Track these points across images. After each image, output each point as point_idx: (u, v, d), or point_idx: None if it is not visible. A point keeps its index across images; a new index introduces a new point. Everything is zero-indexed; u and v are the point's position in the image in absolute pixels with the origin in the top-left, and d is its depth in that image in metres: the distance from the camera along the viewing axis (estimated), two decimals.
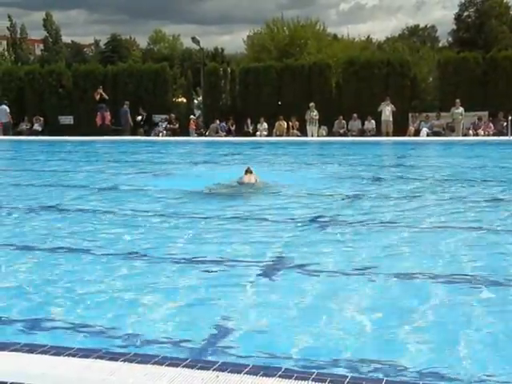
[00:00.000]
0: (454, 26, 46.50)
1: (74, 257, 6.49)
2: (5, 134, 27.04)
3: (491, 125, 23.28)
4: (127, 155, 19.09)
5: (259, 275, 5.67)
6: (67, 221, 8.46)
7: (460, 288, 5.29)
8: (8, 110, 27.38)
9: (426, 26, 57.71)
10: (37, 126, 28.09)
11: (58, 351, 3.69)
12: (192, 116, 26.86)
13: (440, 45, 49.97)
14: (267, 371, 3.44)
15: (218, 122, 26.08)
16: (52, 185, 12.26)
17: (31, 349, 3.73)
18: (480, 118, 23.51)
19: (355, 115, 24.79)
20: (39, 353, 3.67)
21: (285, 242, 6.94)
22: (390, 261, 6.18)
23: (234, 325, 4.52)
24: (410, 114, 25.00)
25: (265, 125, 25.76)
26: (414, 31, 56.13)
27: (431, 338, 4.28)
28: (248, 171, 11.41)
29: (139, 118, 27.34)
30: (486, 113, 23.90)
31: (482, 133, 23.08)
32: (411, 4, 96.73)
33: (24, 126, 28.10)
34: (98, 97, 26.26)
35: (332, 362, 3.90)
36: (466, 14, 45.85)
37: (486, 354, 4.04)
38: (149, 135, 26.25)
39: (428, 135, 23.16)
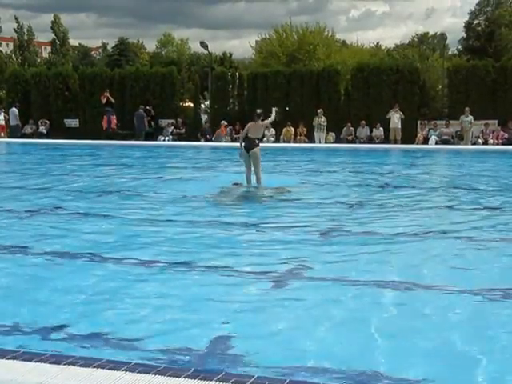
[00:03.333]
0: (464, 34, 46.46)
1: (70, 262, 6.39)
2: (12, 137, 27.14)
3: (503, 133, 23.14)
4: None
5: (264, 284, 5.56)
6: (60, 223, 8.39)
7: None
8: (17, 113, 27.51)
9: (435, 33, 57.72)
10: (42, 129, 28.13)
11: (57, 359, 3.61)
12: (223, 121, 26.53)
13: (450, 53, 49.87)
14: (272, 382, 3.36)
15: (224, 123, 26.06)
16: None
17: (30, 357, 3.64)
18: (487, 124, 23.39)
19: (363, 122, 24.72)
20: (38, 361, 3.58)
21: (291, 249, 6.83)
22: (388, 270, 6.07)
23: (239, 335, 4.41)
24: (418, 122, 24.91)
25: (272, 130, 25.69)
26: (423, 39, 56.12)
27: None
28: (257, 115, 11.67)
29: (148, 107, 27.20)
30: (496, 121, 23.80)
31: (492, 141, 22.96)
32: (421, 12, 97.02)
33: (29, 128, 28.13)
34: (104, 100, 26.29)
35: (340, 373, 3.77)
36: (476, 22, 45.82)
37: None
38: (155, 139, 26.23)
39: (437, 143, 23.06)
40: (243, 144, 11.53)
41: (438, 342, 4.26)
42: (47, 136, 27.51)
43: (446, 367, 3.90)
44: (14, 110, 27.63)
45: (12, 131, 27.82)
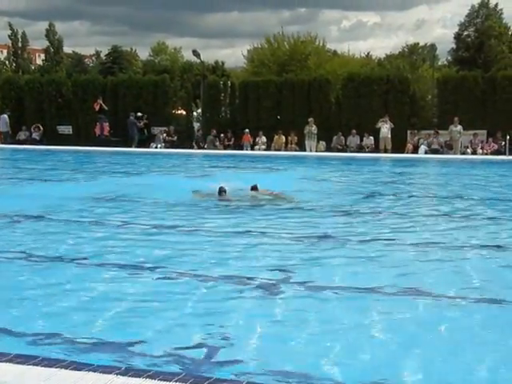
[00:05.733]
0: (454, 45, 46.72)
1: (64, 267, 6.43)
2: (4, 143, 27.12)
3: (493, 144, 23.34)
4: None
5: (257, 290, 5.61)
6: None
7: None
8: (7, 120, 27.51)
9: (425, 44, 57.97)
10: (35, 135, 28.11)
11: (50, 363, 3.64)
12: (246, 130, 26.25)
13: (439, 63, 50.14)
14: None
15: (214, 132, 26.12)
16: None
17: (23, 360, 3.67)
18: (476, 134, 23.59)
19: (354, 131, 24.87)
20: (31, 364, 3.61)
21: (281, 256, 6.89)
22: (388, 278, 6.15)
23: (230, 340, 4.46)
24: (408, 131, 25.07)
25: (263, 139, 25.81)
26: (413, 49, 56.30)
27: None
28: (254, 188, 11.21)
29: (139, 114, 27.17)
30: (485, 131, 23.99)
31: (481, 151, 23.17)
32: (412, 22, 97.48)
33: (23, 134, 28.11)
34: (97, 107, 26.32)
35: (331, 380, 3.84)
36: (465, 33, 46.05)
37: None
38: (148, 147, 26.26)
39: (426, 153, 23.22)
40: None
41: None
42: (41, 142, 27.47)
43: None
44: (5, 116, 27.64)
45: (3, 138, 27.81)
